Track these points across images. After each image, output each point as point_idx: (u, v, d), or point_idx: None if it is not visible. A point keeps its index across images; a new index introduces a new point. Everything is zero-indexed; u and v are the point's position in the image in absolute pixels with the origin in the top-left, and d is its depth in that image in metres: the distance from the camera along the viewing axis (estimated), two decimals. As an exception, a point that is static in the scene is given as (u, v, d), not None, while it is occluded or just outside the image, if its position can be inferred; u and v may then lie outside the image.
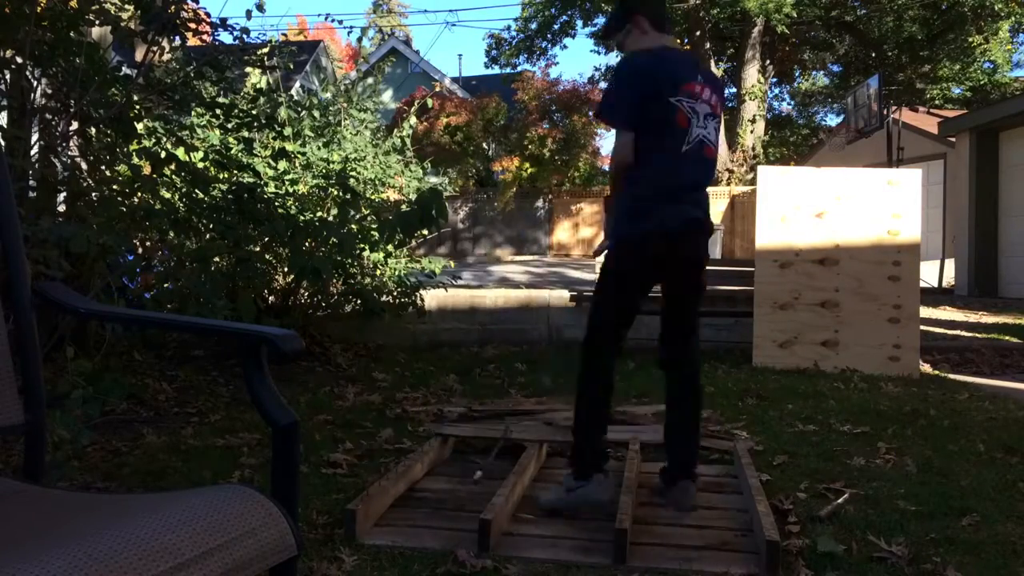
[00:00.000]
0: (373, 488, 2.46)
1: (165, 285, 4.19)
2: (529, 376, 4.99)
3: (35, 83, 3.83)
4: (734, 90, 19.63)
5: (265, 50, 5.51)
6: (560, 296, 6.74)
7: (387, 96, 20.79)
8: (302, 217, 5.21)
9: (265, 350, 1.29)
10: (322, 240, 4.91)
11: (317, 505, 2.49)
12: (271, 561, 1.12)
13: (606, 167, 27.03)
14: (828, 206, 5.43)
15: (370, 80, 8.59)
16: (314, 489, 2.65)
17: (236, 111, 4.79)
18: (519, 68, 20.18)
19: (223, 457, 3.07)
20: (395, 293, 5.80)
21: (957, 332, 7.02)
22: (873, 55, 20.16)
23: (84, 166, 4.13)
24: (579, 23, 20.20)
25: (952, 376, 5.20)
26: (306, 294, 5.55)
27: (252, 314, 4.38)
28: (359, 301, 5.47)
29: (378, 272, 5.90)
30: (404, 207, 6.00)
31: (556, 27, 20.14)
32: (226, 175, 5.04)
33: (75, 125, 4.03)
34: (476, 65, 68.89)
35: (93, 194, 3.97)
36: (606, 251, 2.60)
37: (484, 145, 17.66)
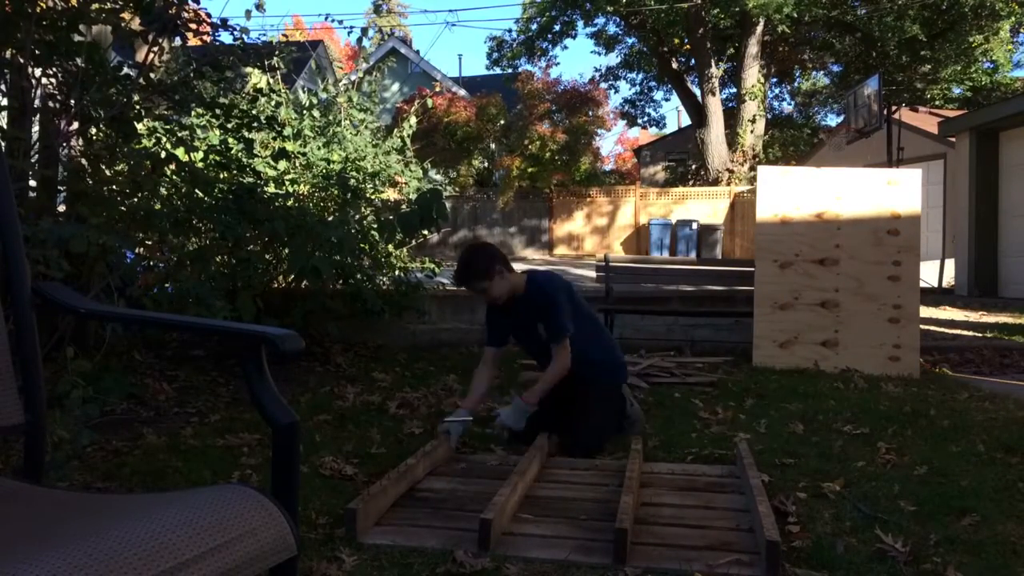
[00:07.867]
0: (374, 488, 2.46)
1: (165, 286, 4.19)
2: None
3: (35, 83, 3.82)
4: (734, 90, 19.62)
5: (266, 50, 5.52)
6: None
7: (394, 88, 20.83)
8: (303, 218, 5.21)
9: (265, 350, 1.29)
10: (322, 240, 4.90)
11: (317, 505, 2.48)
12: (271, 561, 1.12)
13: (607, 167, 27.00)
14: (828, 206, 5.43)
15: (375, 75, 8.58)
16: (314, 489, 2.65)
17: (236, 111, 4.79)
18: (520, 69, 20.17)
19: (223, 457, 3.07)
20: (395, 293, 5.79)
21: (957, 332, 7.02)
22: (874, 55, 20.12)
23: (85, 165, 4.13)
24: (580, 24, 20.20)
25: (952, 376, 5.20)
26: (306, 294, 5.54)
27: (252, 314, 4.37)
28: (359, 301, 5.47)
29: (378, 272, 5.90)
30: (404, 207, 6.01)
31: (557, 28, 20.13)
32: (226, 175, 5.04)
33: (75, 125, 4.03)
34: (476, 65, 68.85)
35: (93, 194, 3.96)
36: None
37: (483, 145, 17.64)
